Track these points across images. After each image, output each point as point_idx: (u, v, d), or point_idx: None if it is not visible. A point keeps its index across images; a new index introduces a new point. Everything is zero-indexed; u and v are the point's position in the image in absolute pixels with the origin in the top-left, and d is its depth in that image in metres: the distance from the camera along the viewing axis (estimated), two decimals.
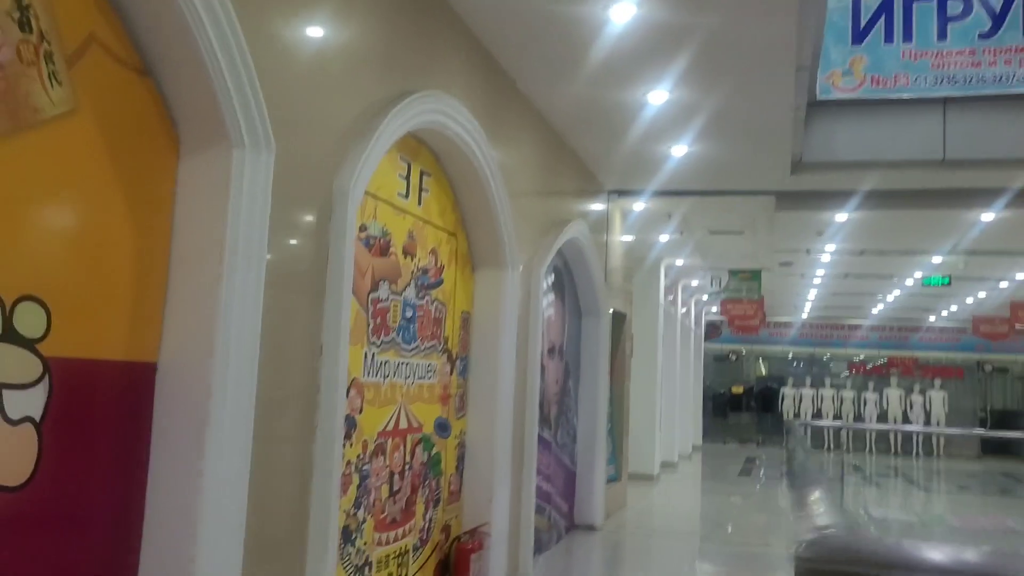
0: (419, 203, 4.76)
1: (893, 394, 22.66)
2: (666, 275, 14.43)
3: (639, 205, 9.82)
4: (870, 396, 22.80)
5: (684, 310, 18.05)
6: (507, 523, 5.54)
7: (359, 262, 3.98)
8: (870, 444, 22.48)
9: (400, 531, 4.55)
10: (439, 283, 5.04)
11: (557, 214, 7.08)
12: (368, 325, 4.16)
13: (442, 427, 5.08)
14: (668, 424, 14.58)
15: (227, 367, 2.77)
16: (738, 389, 25.09)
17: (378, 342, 4.27)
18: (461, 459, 5.38)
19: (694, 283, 16.99)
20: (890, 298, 17.63)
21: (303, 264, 3.37)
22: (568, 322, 8.17)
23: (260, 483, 3.00)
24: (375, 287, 4.23)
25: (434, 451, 4.97)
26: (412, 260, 4.67)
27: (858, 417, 22.75)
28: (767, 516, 10.54)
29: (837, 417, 22.86)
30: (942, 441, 22.12)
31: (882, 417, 22.56)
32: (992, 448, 20.58)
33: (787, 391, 23.41)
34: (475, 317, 5.57)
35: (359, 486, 4.07)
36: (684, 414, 17.33)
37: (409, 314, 4.63)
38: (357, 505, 4.06)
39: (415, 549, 4.75)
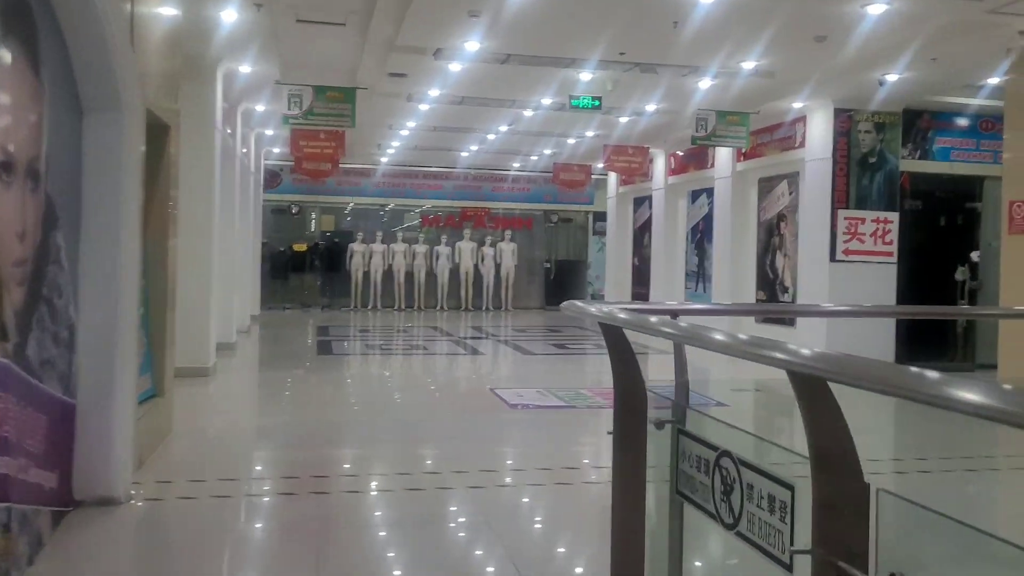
0: None
1: (466, 247, 21.86)
2: (225, 93, 10.29)
3: None
4: (443, 250, 21.70)
5: (245, 150, 14.05)
6: None
7: None
8: (441, 301, 21.38)
9: None
10: None
11: None
12: None
13: None
14: (226, 294, 10.85)
15: None
16: (301, 247, 22.23)
17: None
18: None
19: (259, 108, 13.00)
20: (491, 136, 15.50)
21: None
22: (51, 118, 4.04)
23: None
24: None
25: None
26: None
27: (429, 272, 21.42)
28: (385, 417, 7.74)
29: (409, 273, 21.25)
30: (510, 295, 21.94)
31: (454, 271, 21.56)
32: (555, 300, 20.71)
33: (356, 247, 21.11)
34: None
35: None
36: (243, 279, 13.72)
37: None
38: None
39: None
